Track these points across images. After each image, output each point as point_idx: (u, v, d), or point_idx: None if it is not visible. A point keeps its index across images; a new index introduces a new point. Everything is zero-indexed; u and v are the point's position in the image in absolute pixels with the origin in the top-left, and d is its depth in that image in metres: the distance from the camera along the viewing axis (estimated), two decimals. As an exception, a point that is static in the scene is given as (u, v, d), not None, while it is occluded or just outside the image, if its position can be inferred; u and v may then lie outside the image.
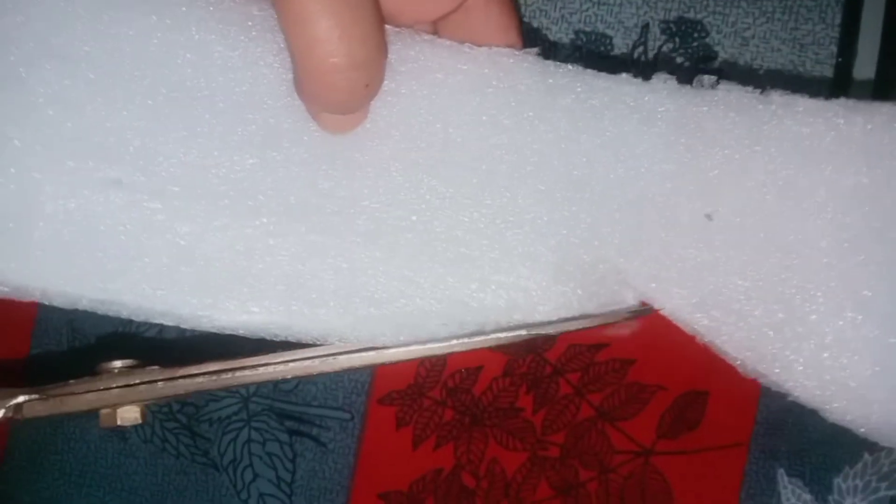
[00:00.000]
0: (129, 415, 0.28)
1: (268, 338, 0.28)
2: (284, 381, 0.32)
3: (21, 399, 0.28)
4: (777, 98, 0.28)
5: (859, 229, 0.27)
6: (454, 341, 0.28)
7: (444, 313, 0.28)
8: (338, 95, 0.25)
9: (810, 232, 0.28)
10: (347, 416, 0.37)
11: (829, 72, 0.36)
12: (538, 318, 0.28)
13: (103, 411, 0.28)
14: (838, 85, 0.36)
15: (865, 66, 0.36)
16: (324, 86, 0.25)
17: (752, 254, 0.28)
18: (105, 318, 0.27)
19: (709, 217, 0.28)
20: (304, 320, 0.28)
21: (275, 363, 0.29)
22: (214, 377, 0.28)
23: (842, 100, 0.28)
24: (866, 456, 0.34)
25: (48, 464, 0.38)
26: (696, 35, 0.36)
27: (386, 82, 0.27)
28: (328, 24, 0.23)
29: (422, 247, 0.28)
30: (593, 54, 0.36)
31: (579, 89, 0.28)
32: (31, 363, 0.38)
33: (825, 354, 0.27)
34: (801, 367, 0.27)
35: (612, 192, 0.28)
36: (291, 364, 0.28)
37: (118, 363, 0.29)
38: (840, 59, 0.36)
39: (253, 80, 0.28)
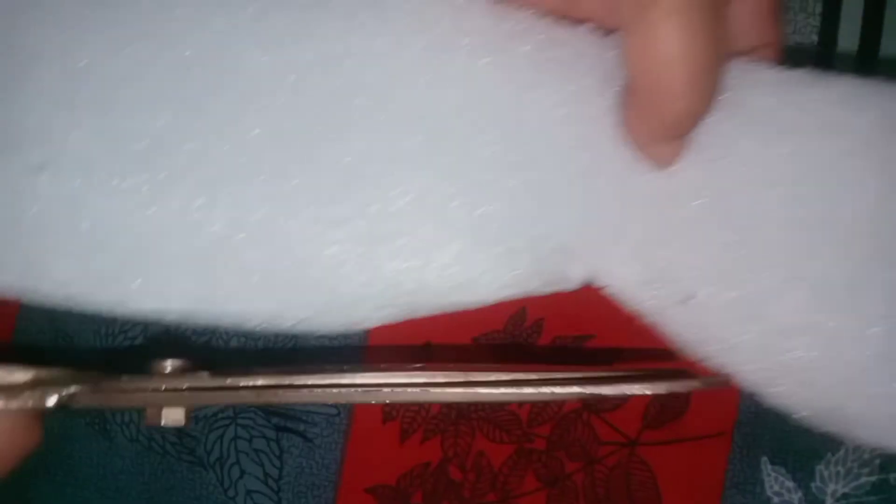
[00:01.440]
0: (174, 416, 0.27)
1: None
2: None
3: (74, 389, 0.27)
4: (735, 67, 0.26)
5: (812, 207, 0.26)
6: (504, 390, 0.25)
7: (376, 296, 0.25)
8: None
9: (766, 206, 0.26)
10: (334, 411, 0.37)
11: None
12: (482, 297, 0.25)
13: (150, 410, 0.27)
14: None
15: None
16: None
17: (706, 229, 0.26)
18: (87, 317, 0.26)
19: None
20: (211, 301, 0.24)
21: (334, 385, 0.25)
22: (273, 393, 0.26)
23: (798, 71, 0.26)
24: (848, 443, 0.35)
25: (31, 463, 0.37)
26: None
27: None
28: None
29: (342, 217, 0.24)
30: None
31: (540, 37, 0.25)
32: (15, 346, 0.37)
33: (772, 337, 0.26)
34: (746, 350, 0.26)
35: (565, 159, 0.25)
36: (350, 389, 0.25)
37: (168, 364, 0.27)
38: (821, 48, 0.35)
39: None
